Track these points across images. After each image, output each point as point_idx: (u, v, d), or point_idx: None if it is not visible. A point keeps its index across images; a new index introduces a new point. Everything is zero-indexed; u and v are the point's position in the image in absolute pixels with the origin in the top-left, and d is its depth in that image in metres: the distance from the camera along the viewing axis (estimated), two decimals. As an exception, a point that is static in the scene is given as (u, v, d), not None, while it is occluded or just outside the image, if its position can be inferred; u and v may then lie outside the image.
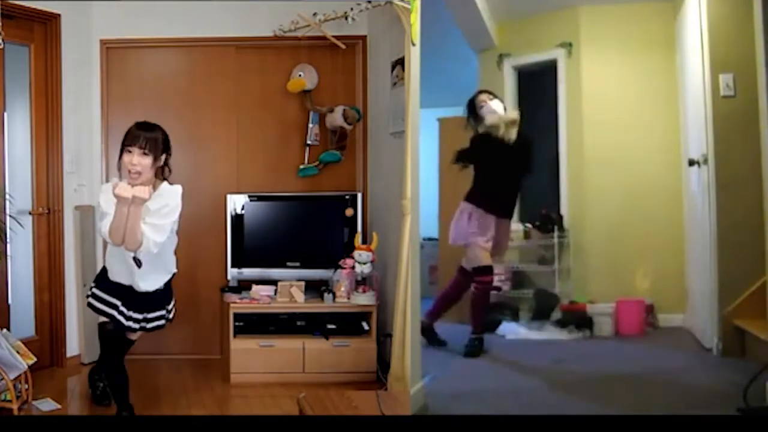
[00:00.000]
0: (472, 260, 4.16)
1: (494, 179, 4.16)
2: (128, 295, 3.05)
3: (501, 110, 4.19)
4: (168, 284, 3.15)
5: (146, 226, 2.81)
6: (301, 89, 4.42)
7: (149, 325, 3.13)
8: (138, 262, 2.91)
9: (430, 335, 4.27)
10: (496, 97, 4.28)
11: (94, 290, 3.12)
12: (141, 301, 3.07)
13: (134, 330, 3.11)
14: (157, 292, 3.08)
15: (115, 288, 3.05)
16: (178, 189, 2.95)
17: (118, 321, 3.05)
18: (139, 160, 2.81)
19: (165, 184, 2.96)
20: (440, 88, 6.52)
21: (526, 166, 4.20)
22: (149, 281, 3.03)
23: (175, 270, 3.15)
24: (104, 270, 3.13)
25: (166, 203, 2.88)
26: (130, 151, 2.83)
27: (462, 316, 5.30)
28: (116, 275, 3.05)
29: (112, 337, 3.17)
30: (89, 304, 3.13)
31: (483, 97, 4.24)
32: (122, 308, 3.05)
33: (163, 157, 2.93)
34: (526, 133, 4.17)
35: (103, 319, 3.17)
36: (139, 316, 3.08)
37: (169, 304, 3.20)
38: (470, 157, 4.21)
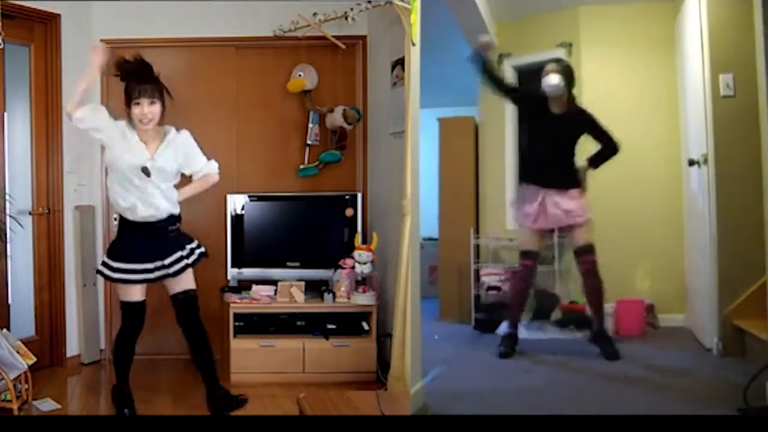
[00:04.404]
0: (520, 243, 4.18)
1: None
2: (139, 246, 3.17)
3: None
4: (177, 225, 3.28)
5: (199, 160, 3.27)
6: (301, 89, 4.42)
7: (171, 270, 3.20)
8: (147, 171, 3.07)
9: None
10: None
11: (107, 261, 3.20)
12: (153, 248, 3.18)
13: (151, 280, 3.21)
14: (166, 231, 3.21)
15: (125, 249, 3.19)
16: (184, 131, 3.24)
17: (136, 279, 3.18)
18: (150, 109, 3.06)
19: (172, 130, 3.20)
20: (440, 88, 6.52)
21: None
22: (154, 206, 3.15)
23: (178, 208, 3.28)
24: (115, 241, 3.27)
25: (190, 143, 3.24)
26: (138, 103, 3.05)
27: (462, 316, 5.33)
28: (127, 208, 3.15)
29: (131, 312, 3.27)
30: (102, 274, 3.23)
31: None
32: (137, 266, 3.17)
33: (166, 101, 3.17)
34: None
35: (125, 297, 3.24)
36: (155, 264, 3.18)
37: (187, 244, 3.30)
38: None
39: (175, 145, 3.18)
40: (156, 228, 3.18)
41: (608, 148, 4.08)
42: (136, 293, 3.22)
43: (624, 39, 5.02)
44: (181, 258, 3.23)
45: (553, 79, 3.97)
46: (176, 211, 3.25)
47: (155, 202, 3.14)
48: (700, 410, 2.94)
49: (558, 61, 4.18)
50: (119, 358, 3.33)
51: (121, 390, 3.31)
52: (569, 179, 4.04)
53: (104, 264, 3.21)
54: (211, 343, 3.43)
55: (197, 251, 3.34)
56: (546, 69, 4.03)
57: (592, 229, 4.04)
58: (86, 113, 3.09)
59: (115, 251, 3.22)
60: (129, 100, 3.08)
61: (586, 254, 3.99)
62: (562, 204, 3.99)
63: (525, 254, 4.11)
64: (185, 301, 3.29)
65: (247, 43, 4.52)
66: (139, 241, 3.17)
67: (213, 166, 3.34)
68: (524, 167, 4.21)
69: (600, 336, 4.02)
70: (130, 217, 3.16)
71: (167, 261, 3.19)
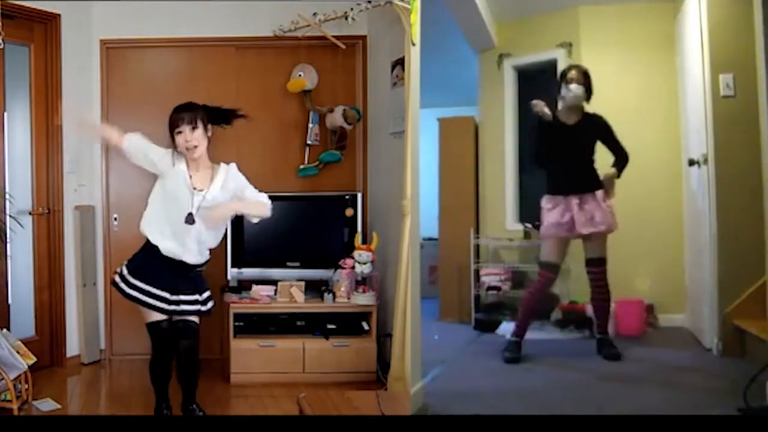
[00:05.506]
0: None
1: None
2: (162, 272, 3.08)
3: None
4: (203, 266, 3.22)
5: (251, 189, 3.21)
6: (301, 89, 4.42)
7: (183, 308, 3.10)
8: (191, 220, 3.04)
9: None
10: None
11: (126, 275, 3.09)
12: (175, 280, 3.10)
13: (164, 311, 3.09)
14: (194, 272, 3.16)
15: (146, 268, 3.08)
16: (233, 164, 3.22)
17: (149, 304, 3.08)
18: (192, 135, 3.04)
19: (222, 165, 3.18)
20: (440, 88, 6.53)
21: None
22: (195, 253, 3.12)
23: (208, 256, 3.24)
24: (139, 256, 3.12)
25: (239, 174, 3.21)
26: (180, 132, 3.03)
27: (462, 316, 5.33)
28: (166, 248, 3.07)
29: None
30: (116, 287, 3.10)
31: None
32: (155, 290, 3.07)
33: (210, 127, 3.15)
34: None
35: (148, 318, 3.11)
36: (173, 297, 3.09)
37: (204, 291, 3.20)
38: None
39: (226, 178, 3.15)
40: (184, 264, 3.10)
41: (620, 156, 4.03)
42: (157, 313, 3.09)
43: (624, 39, 5.02)
44: (197, 302, 3.15)
45: (578, 90, 3.92)
46: (208, 257, 3.21)
47: (193, 249, 3.09)
48: (700, 410, 2.94)
49: (577, 67, 4.04)
50: (156, 380, 3.22)
51: (160, 410, 3.21)
52: (591, 182, 3.95)
53: (121, 276, 3.09)
54: (200, 368, 3.27)
55: (209, 303, 3.22)
56: (568, 76, 3.96)
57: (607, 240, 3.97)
58: (134, 139, 3.06)
59: (135, 267, 3.08)
60: (172, 131, 3.06)
61: (597, 265, 3.95)
62: (587, 209, 3.90)
63: (546, 266, 3.95)
64: (183, 330, 3.13)
65: (247, 43, 4.52)
66: (164, 267, 3.07)
67: (266, 197, 3.24)
68: (547, 179, 4.06)
69: (603, 342, 4.01)
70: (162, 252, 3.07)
71: (183, 298, 3.09)
